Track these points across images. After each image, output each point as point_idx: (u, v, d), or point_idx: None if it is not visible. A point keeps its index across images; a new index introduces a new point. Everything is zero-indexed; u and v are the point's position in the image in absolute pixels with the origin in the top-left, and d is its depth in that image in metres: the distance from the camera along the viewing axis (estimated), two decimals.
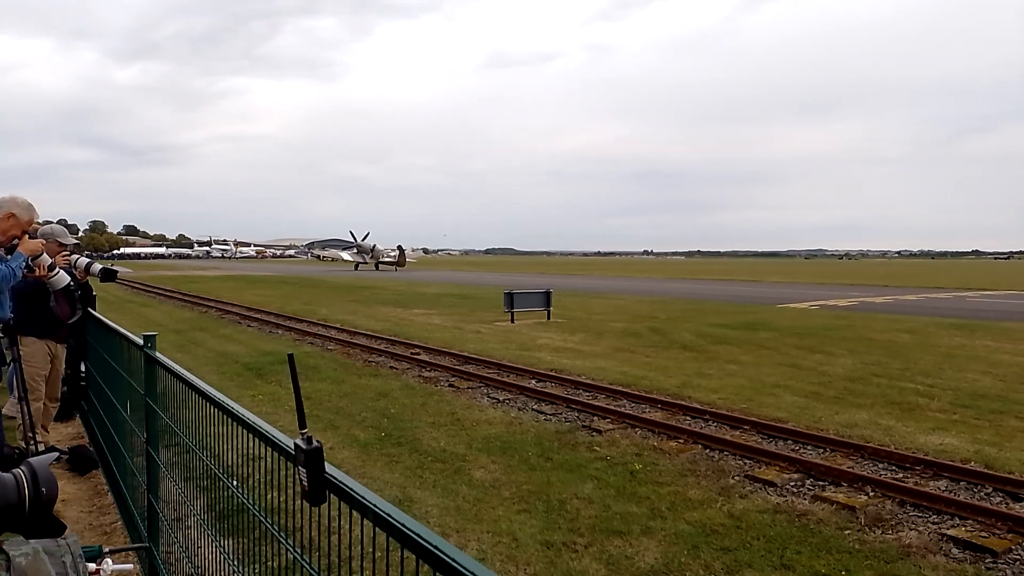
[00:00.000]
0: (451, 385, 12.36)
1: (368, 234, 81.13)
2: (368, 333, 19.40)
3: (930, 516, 6.43)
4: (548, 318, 23.12)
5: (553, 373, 13.20)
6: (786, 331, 20.26)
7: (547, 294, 23.71)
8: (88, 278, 7.12)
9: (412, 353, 15.78)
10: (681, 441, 8.78)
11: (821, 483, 7.30)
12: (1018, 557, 5.63)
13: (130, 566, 1.78)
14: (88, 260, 7.07)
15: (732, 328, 21.01)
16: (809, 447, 8.58)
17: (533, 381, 12.61)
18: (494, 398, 11.31)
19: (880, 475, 7.48)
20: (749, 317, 24.62)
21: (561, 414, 10.26)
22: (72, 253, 7.07)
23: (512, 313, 22.41)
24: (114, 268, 7.44)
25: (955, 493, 6.99)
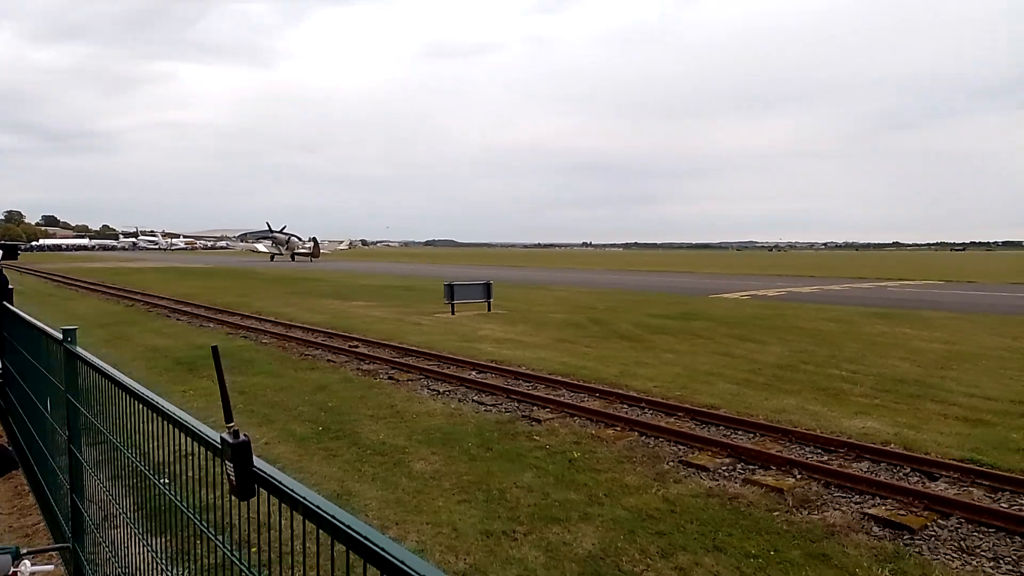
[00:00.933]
0: (391, 378, 12.26)
1: (285, 227, 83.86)
2: (305, 326, 19.05)
3: (853, 496, 6.72)
4: (489, 309, 23.15)
5: (494, 364, 13.24)
6: (719, 321, 20.83)
7: (487, 285, 23.72)
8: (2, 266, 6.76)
9: (351, 346, 15.58)
10: (618, 429, 8.95)
11: (751, 467, 7.55)
12: (933, 534, 5.94)
13: (51, 567, 1.72)
14: None
15: (668, 318, 21.47)
16: (740, 432, 8.86)
17: (474, 372, 12.63)
18: (435, 390, 11.28)
19: (807, 458, 7.79)
20: (684, 307, 25.20)
21: (501, 404, 10.31)
22: None
23: (453, 305, 22.37)
24: (13, 243, 7.05)
25: (876, 474, 7.33)
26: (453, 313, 22.10)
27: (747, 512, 6.31)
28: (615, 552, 5.45)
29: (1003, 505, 6.45)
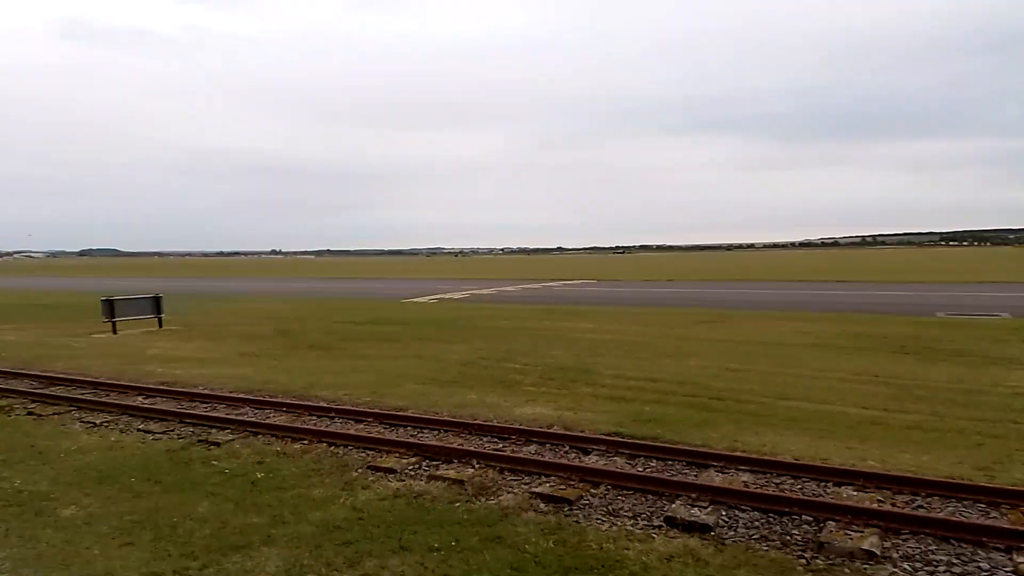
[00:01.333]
0: (30, 413, 10.42)
1: None
2: None
3: (523, 478, 7.39)
4: (160, 326, 20.97)
5: (164, 387, 11.99)
6: (409, 324, 21.47)
7: (157, 299, 21.43)
8: None
9: None
10: (306, 442, 8.71)
11: (436, 463, 7.90)
12: (588, 502, 6.78)
13: None
14: None
15: (360, 324, 21.53)
16: (426, 431, 9.22)
17: (140, 398, 11.30)
18: (89, 422, 9.84)
19: (484, 448, 8.38)
20: (376, 313, 25.50)
21: (173, 431, 9.37)
22: None
23: (114, 323, 19.82)
24: None
25: (542, 455, 8.16)
26: (115, 332, 19.58)
27: (431, 507, 6.58)
28: (300, 571, 5.29)
29: (639, 469, 7.63)
